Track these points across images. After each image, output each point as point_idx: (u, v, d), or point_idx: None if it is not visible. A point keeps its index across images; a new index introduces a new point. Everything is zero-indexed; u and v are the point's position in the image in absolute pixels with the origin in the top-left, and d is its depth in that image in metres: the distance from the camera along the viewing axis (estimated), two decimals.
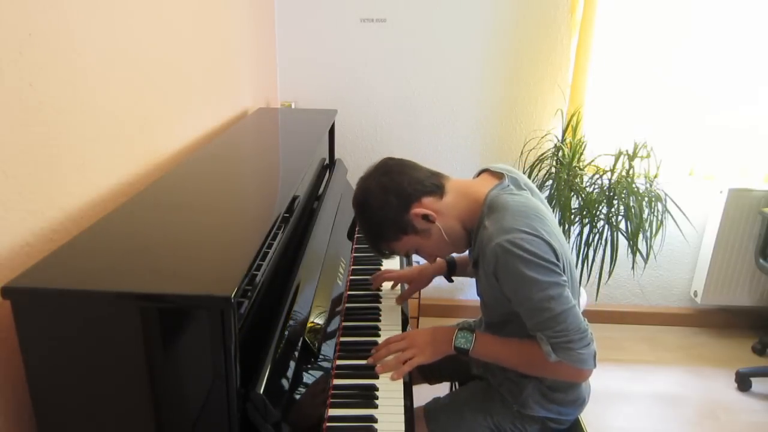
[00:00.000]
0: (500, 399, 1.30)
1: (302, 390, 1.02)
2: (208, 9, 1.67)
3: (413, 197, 1.18)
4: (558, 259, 1.09)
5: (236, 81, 1.97)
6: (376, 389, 1.15)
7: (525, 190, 1.22)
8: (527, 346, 1.15)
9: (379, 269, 1.66)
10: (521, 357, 1.17)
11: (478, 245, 1.16)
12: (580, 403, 1.29)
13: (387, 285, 1.57)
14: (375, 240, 1.25)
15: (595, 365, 1.11)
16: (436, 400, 1.36)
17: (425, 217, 1.18)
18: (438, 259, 1.49)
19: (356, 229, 1.91)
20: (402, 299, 1.48)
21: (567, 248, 1.19)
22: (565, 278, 1.09)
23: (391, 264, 1.70)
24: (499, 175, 1.24)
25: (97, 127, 1.09)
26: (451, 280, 1.56)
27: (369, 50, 2.49)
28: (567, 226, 2.36)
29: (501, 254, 1.07)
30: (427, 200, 1.19)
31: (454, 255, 1.51)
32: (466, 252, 1.49)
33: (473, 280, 1.31)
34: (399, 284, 1.57)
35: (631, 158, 2.31)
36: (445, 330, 1.23)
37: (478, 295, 1.31)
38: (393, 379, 1.18)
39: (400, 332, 1.34)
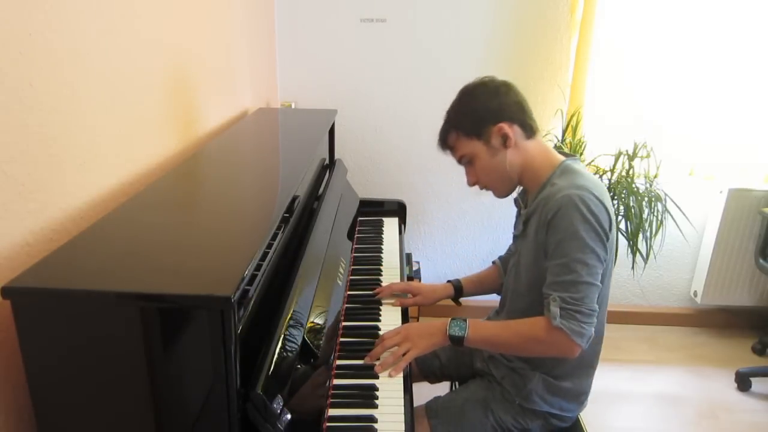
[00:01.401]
0: (501, 395, 1.30)
1: (302, 390, 1.02)
2: (209, 9, 1.67)
3: (509, 117, 1.24)
4: (608, 234, 1.12)
5: (236, 81, 1.97)
6: (376, 389, 1.15)
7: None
8: (522, 323, 1.18)
9: (379, 269, 1.66)
10: (516, 334, 1.19)
11: (538, 203, 1.20)
12: (582, 399, 1.30)
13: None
14: (451, 126, 1.30)
15: (586, 345, 1.13)
16: (437, 399, 1.36)
17: (504, 138, 1.23)
18: (446, 283, 1.56)
19: (356, 229, 1.91)
20: (401, 303, 1.49)
21: (615, 234, 1.23)
22: (606, 257, 1.12)
23: (392, 258, 1.70)
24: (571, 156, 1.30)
25: (97, 127, 1.09)
26: (458, 303, 1.59)
27: (369, 50, 2.49)
28: None
29: (565, 204, 1.11)
30: (517, 129, 1.24)
31: (461, 278, 1.56)
32: (475, 285, 1.56)
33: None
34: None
35: (631, 158, 2.31)
36: (439, 321, 1.25)
37: (512, 267, 1.33)
38: (391, 375, 1.18)
39: None
